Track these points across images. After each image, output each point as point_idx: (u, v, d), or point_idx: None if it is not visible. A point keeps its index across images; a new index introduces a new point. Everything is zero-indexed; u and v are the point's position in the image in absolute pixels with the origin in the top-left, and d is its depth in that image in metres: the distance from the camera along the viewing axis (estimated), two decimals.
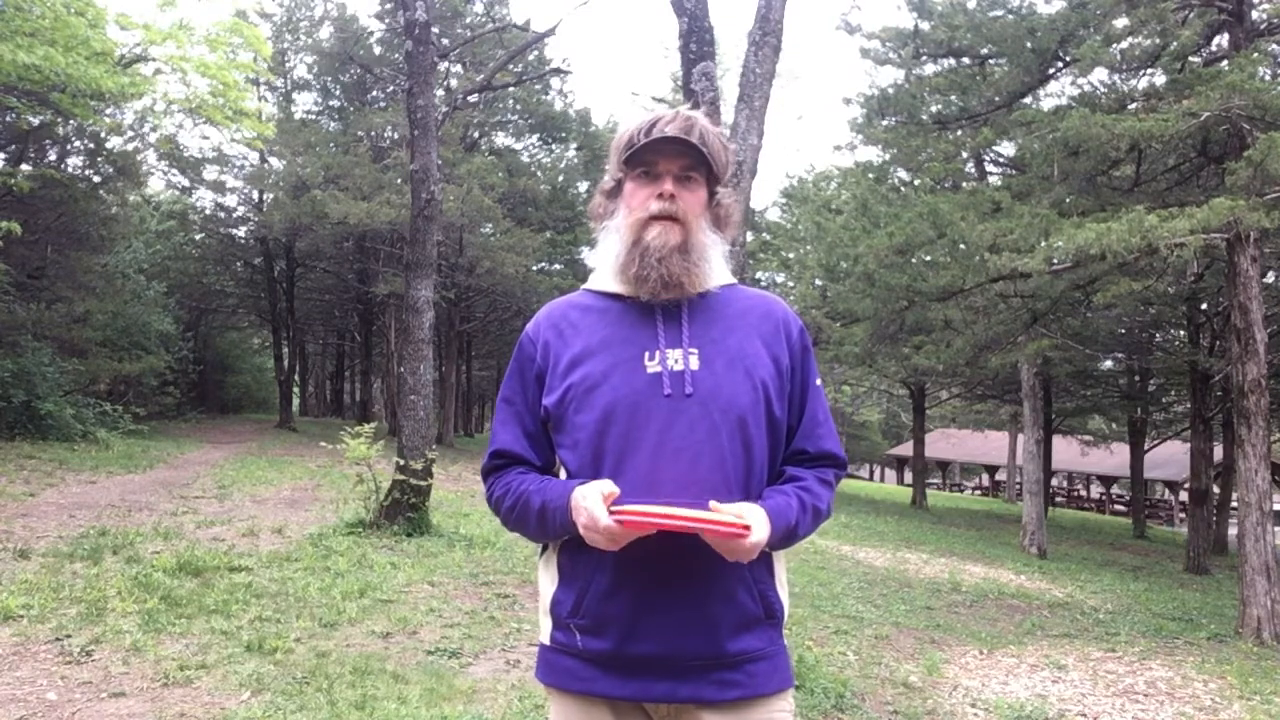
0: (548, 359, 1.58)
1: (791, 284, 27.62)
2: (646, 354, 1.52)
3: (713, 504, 1.39)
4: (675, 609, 1.45)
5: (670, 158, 1.54)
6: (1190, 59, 10.03)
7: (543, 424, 1.59)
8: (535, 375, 1.59)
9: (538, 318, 1.64)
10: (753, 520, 1.38)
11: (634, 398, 1.48)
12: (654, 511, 1.33)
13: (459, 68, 23.64)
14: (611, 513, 1.36)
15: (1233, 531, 18.37)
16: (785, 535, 1.47)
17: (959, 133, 12.47)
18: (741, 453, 1.49)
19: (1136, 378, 22.56)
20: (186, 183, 27.91)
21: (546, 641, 1.58)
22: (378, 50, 25.94)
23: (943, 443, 42.84)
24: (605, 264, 1.60)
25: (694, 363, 1.51)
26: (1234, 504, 15.89)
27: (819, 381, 1.66)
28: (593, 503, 1.37)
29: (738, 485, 1.48)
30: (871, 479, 52.32)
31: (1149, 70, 10.65)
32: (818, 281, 23.66)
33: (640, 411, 1.47)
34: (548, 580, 1.60)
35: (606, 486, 1.40)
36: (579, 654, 1.51)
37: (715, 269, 1.57)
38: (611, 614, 1.47)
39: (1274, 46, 10.45)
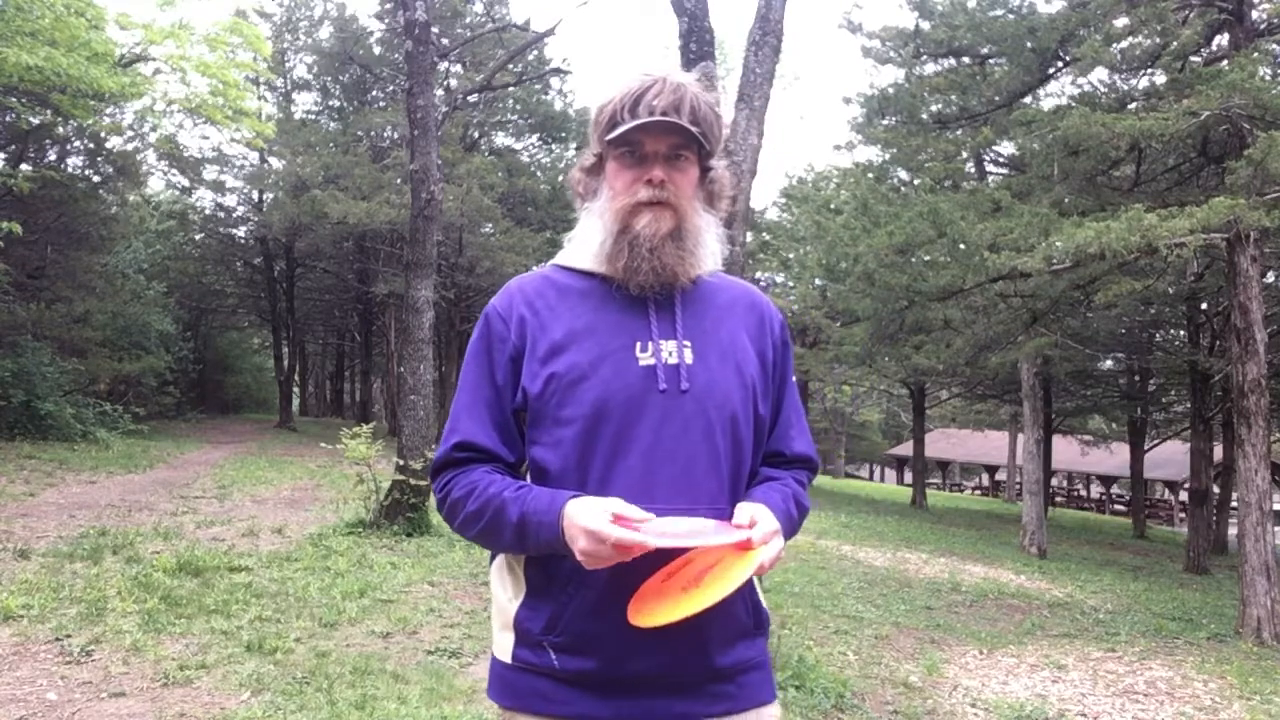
0: (524, 338, 1.38)
1: (791, 284, 27.61)
2: (638, 344, 1.36)
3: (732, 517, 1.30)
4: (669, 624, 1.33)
5: (658, 136, 1.36)
6: (1190, 59, 10.02)
7: (515, 414, 1.40)
8: (509, 356, 1.39)
9: (508, 291, 1.44)
10: (762, 519, 1.29)
11: (627, 393, 1.33)
12: (673, 535, 1.20)
13: (459, 68, 23.64)
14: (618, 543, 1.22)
15: (1233, 531, 18.37)
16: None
17: (959, 132, 12.47)
18: (733, 453, 1.38)
19: (1136, 378, 22.55)
20: (186, 183, 27.92)
21: (506, 659, 1.38)
22: (378, 50, 25.95)
23: (943, 442, 42.82)
24: (587, 246, 1.43)
25: (688, 356, 1.37)
26: (1234, 504, 15.89)
27: (794, 378, 1.56)
28: (599, 522, 1.20)
29: (730, 488, 1.38)
30: (871, 479, 52.29)
31: (1149, 70, 10.65)
32: (818, 281, 23.65)
33: (634, 409, 1.32)
34: (507, 592, 1.41)
35: (616, 506, 1.22)
36: (553, 674, 1.34)
37: (709, 253, 1.44)
38: (598, 632, 1.31)
39: (1274, 46, 10.44)
